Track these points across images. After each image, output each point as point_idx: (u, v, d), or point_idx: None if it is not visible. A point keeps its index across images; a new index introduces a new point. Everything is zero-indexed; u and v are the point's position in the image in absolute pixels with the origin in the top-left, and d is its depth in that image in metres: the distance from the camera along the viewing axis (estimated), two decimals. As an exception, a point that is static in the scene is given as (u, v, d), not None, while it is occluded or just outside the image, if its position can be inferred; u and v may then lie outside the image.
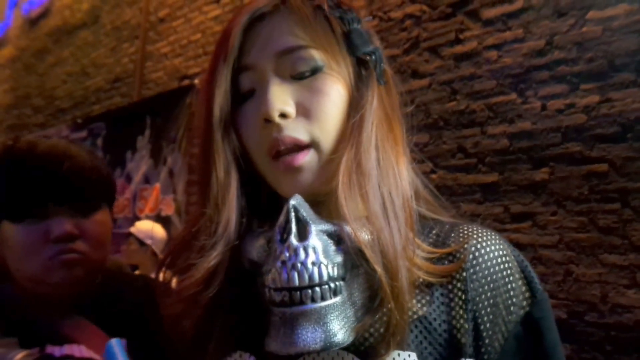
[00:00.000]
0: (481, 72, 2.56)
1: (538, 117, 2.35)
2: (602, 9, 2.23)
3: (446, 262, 0.56)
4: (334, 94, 0.57)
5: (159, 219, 3.96)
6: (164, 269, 0.63)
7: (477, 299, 0.55)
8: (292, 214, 0.53)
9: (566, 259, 2.23)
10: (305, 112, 0.56)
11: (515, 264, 0.57)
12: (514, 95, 2.44)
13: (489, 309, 0.55)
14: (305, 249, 0.51)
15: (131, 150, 4.53)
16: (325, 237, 0.53)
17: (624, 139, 2.13)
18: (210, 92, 0.59)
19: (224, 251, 0.56)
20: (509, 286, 0.56)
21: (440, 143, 2.67)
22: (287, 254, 0.51)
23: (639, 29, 2.13)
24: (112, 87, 5.39)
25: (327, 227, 0.53)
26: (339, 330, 0.50)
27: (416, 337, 0.54)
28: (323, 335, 0.50)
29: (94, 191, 0.83)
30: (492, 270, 0.56)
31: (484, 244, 0.57)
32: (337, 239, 0.53)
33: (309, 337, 0.50)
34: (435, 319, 0.55)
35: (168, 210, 4.00)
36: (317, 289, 0.50)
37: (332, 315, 0.51)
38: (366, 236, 0.52)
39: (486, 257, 0.56)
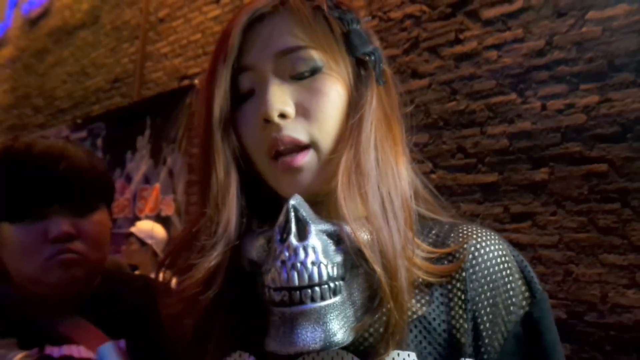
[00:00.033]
0: (481, 72, 2.56)
1: (538, 117, 2.35)
2: (601, 9, 2.23)
3: (445, 262, 0.57)
4: (333, 94, 0.57)
5: (159, 219, 3.96)
6: (163, 269, 0.63)
7: (477, 298, 0.55)
8: (292, 214, 0.53)
9: (566, 259, 2.23)
10: (304, 112, 0.56)
11: (515, 264, 0.58)
12: (513, 95, 2.44)
13: (488, 309, 0.55)
14: (305, 249, 0.51)
15: (131, 150, 4.53)
16: (325, 237, 0.53)
17: (624, 139, 2.13)
18: (209, 92, 0.59)
19: (224, 251, 0.56)
20: (509, 286, 0.56)
21: (440, 143, 2.67)
22: (287, 254, 0.51)
23: (638, 29, 2.13)
24: (112, 87, 5.39)
25: (326, 227, 0.53)
26: (339, 330, 0.51)
27: (415, 336, 0.54)
28: (323, 335, 0.50)
29: (91, 191, 0.83)
30: (491, 270, 0.56)
31: (484, 244, 0.57)
32: (337, 238, 0.53)
33: (309, 336, 0.50)
34: (434, 319, 0.55)
35: (168, 210, 4.00)
36: (317, 288, 0.50)
37: (332, 315, 0.51)
38: (365, 236, 0.52)
39: (486, 257, 0.56)
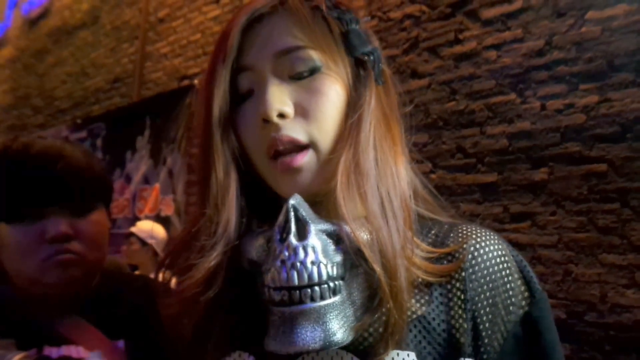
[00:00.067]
0: (480, 72, 2.56)
1: (537, 117, 2.35)
2: (601, 9, 2.23)
3: (445, 262, 0.57)
4: (332, 94, 0.57)
5: (159, 219, 3.96)
6: (163, 269, 0.63)
7: (476, 298, 0.55)
8: (292, 214, 0.53)
9: (565, 259, 2.23)
10: (303, 112, 0.56)
11: (514, 263, 0.58)
12: (513, 95, 2.44)
13: (488, 309, 0.55)
14: (305, 249, 0.51)
15: (131, 150, 4.53)
16: (325, 237, 0.53)
17: (623, 139, 2.13)
18: (209, 92, 0.59)
19: (224, 251, 0.56)
20: (508, 286, 0.56)
21: (439, 143, 2.67)
22: (287, 254, 0.51)
23: (638, 29, 2.13)
24: (112, 88, 5.39)
25: (326, 226, 0.53)
26: (338, 329, 0.51)
27: (415, 336, 0.54)
28: (322, 335, 0.50)
29: (89, 191, 0.83)
30: (491, 270, 0.56)
31: (483, 244, 0.57)
32: (337, 238, 0.53)
33: (308, 336, 0.50)
34: (434, 319, 0.55)
35: (168, 210, 4.00)
36: (317, 288, 0.50)
37: (332, 314, 0.51)
38: (365, 236, 0.52)
39: (485, 257, 0.56)
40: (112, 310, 0.86)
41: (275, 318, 0.52)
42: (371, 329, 0.54)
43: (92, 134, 5.11)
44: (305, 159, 0.56)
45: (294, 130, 0.56)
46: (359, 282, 0.54)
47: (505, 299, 0.55)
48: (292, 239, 0.52)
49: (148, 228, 3.17)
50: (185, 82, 4.33)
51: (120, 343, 0.83)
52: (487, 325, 0.54)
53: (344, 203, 0.53)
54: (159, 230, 3.28)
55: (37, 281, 0.78)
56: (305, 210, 0.53)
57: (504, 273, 0.56)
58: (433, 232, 0.61)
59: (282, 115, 0.55)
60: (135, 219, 4.11)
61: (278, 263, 0.51)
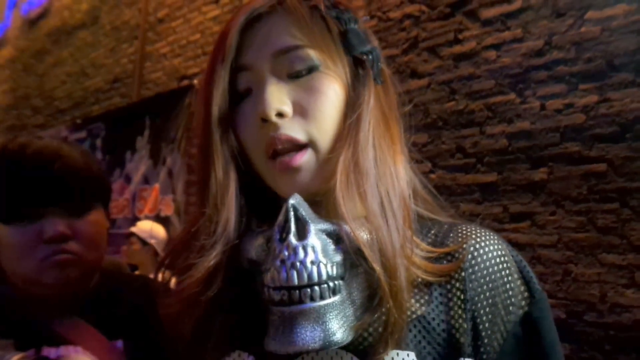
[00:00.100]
0: (480, 72, 2.57)
1: (537, 117, 2.35)
2: (600, 9, 2.23)
3: (445, 262, 0.57)
4: (331, 93, 0.57)
5: (158, 219, 3.96)
6: (163, 269, 0.63)
7: (476, 298, 0.55)
8: (291, 213, 0.53)
9: (565, 259, 2.23)
10: (302, 111, 0.56)
11: (514, 264, 0.58)
12: (512, 95, 2.44)
13: (487, 309, 0.55)
14: (305, 248, 0.51)
15: (130, 150, 4.52)
16: (324, 237, 0.53)
17: (623, 139, 2.13)
18: (208, 92, 0.59)
19: (224, 250, 0.56)
20: (508, 286, 0.56)
21: (439, 143, 2.67)
22: (286, 253, 0.51)
23: (637, 29, 2.13)
24: (112, 88, 5.39)
25: (326, 226, 0.53)
26: (338, 329, 0.51)
27: (415, 336, 0.54)
28: (322, 334, 0.50)
29: (87, 191, 0.83)
30: (490, 270, 0.56)
31: (483, 244, 0.57)
32: (336, 238, 0.53)
33: (308, 336, 0.50)
34: (434, 319, 0.55)
35: (167, 210, 4.00)
36: (316, 288, 0.50)
37: (331, 314, 0.51)
38: (365, 235, 0.52)
39: (485, 257, 0.56)
40: (111, 310, 0.86)
41: (275, 318, 0.52)
42: (371, 329, 0.54)
43: (91, 134, 5.11)
44: (304, 159, 0.56)
45: (293, 130, 0.56)
46: (358, 281, 0.54)
47: (505, 299, 0.55)
48: (292, 238, 0.51)
49: (148, 228, 3.17)
50: (185, 82, 4.33)
51: (119, 343, 0.83)
52: (486, 325, 0.54)
53: (343, 202, 0.53)
54: (159, 230, 3.28)
55: (35, 281, 0.78)
56: (305, 210, 0.53)
57: (503, 273, 0.56)
58: (433, 232, 0.61)
59: (280, 115, 0.55)
60: (135, 219, 4.11)
61: (278, 263, 0.51)
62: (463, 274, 0.55)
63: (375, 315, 0.53)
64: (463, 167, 2.58)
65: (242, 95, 0.59)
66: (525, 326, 0.55)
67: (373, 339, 0.53)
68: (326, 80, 0.57)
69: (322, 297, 0.50)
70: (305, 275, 0.50)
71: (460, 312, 0.54)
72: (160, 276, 0.63)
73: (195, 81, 4.13)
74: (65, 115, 6.06)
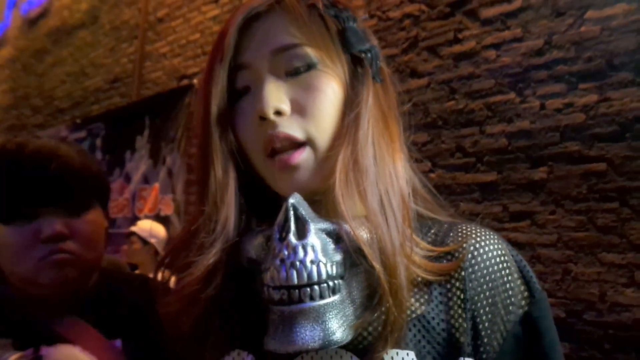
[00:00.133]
0: (480, 71, 2.57)
1: (537, 116, 2.35)
2: (600, 8, 2.23)
3: (444, 261, 0.57)
4: (329, 91, 0.57)
5: (158, 218, 3.96)
6: (163, 268, 0.63)
7: (476, 298, 0.55)
8: (291, 213, 0.53)
9: (565, 258, 2.23)
10: (300, 109, 0.57)
11: (514, 263, 0.58)
12: (512, 95, 2.44)
13: (487, 309, 0.55)
14: (304, 248, 0.51)
15: (130, 150, 4.52)
16: (324, 236, 0.53)
17: (623, 138, 2.13)
18: (207, 91, 0.59)
19: (223, 249, 0.57)
20: (508, 286, 0.56)
21: (439, 142, 2.67)
22: (286, 252, 0.51)
23: (637, 28, 2.13)
24: (111, 87, 5.39)
25: (325, 225, 0.53)
26: (338, 328, 0.51)
27: (414, 335, 0.54)
28: (321, 334, 0.50)
29: (84, 190, 0.83)
30: (490, 269, 0.56)
31: (483, 243, 0.57)
32: (336, 237, 0.53)
33: (308, 335, 0.50)
34: (433, 318, 0.55)
35: (167, 210, 4.00)
36: (316, 287, 0.50)
37: (331, 313, 0.51)
38: (365, 234, 0.52)
39: (485, 256, 0.56)
40: (111, 309, 0.86)
41: (275, 317, 0.52)
42: (370, 328, 0.54)
43: (91, 134, 5.11)
44: (302, 157, 0.56)
45: (291, 128, 0.56)
46: (358, 281, 0.54)
47: (504, 298, 0.55)
48: (292, 238, 0.51)
49: (148, 227, 3.17)
50: (185, 82, 4.32)
51: (118, 342, 0.83)
52: (486, 324, 0.54)
53: (342, 201, 0.53)
54: (159, 229, 3.28)
55: (33, 281, 0.78)
56: (305, 209, 0.53)
57: (503, 273, 0.56)
58: (433, 231, 0.61)
59: (278, 113, 0.56)
60: (134, 219, 4.11)
61: (277, 262, 0.51)
62: (463, 273, 0.55)
63: (375, 315, 0.53)
64: (463, 167, 2.58)
65: (241, 94, 0.59)
66: (525, 326, 0.55)
67: (372, 338, 0.53)
68: (324, 78, 0.57)
69: (321, 297, 0.50)
70: (305, 275, 0.50)
71: (460, 311, 0.54)
72: (159, 275, 0.63)
73: (195, 81, 4.13)
74: (65, 115, 6.06)
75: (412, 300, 0.55)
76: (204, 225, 0.58)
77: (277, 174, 0.58)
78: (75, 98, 5.95)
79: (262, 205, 0.62)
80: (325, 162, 0.57)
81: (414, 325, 0.54)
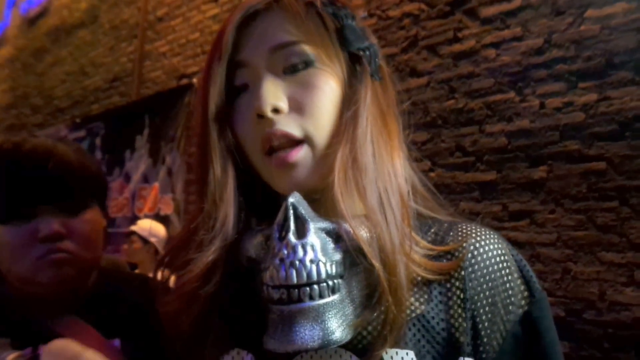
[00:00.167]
0: (479, 70, 2.56)
1: (536, 115, 2.35)
2: (600, 7, 2.23)
3: (444, 260, 0.57)
4: (327, 89, 0.57)
5: (158, 218, 3.96)
6: (162, 267, 0.63)
7: (476, 297, 0.55)
8: (291, 212, 0.53)
9: (564, 257, 2.23)
10: (297, 107, 0.56)
11: (514, 263, 0.58)
12: (512, 94, 2.44)
13: (487, 308, 0.55)
14: (304, 247, 0.51)
15: (130, 149, 4.52)
16: (324, 235, 0.53)
17: (622, 137, 2.13)
18: (205, 89, 0.59)
19: (222, 246, 0.57)
20: (508, 285, 0.56)
21: (438, 141, 2.67)
22: (286, 252, 0.51)
23: (637, 27, 2.13)
24: (111, 87, 5.39)
25: (325, 225, 0.53)
26: (337, 328, 0.50)
27: (414, 335, 0.54)
28: (321, 333, 0.50)
29: (82, 189, 0.82)
30: (490, 269, 0.56)
31: (483, 243, 0.57)
32: (336, 236, 0.53)
33: (307, 334, 0.50)
34: (433, 318, 0.55)
35: (167, 209, 4.00)
36: (315, 286, 0.50)
37: (330, 313, 0.51)
38: (365, 234, 0.52)
39: (485, 256, 0.56)
40: (110, 309, 0.85)
41: (274, 316, 0.52)
42: (370, 327, 0.54)
43: (91, 133, 5.11)
44: (300, 154, 0.56)
45: (288, 125, 0.56)
46: (358, 280, 0.54)
47: (504, 298, 0.55)
48: (291, 237, 0.51)
49: (148, 226, 3.17)
50: (184, 81, 4.32)
51: (116, 342, 0.83)
52: (486, 324, 0.54)
53: (342, 199, 0.53)
54: (158, 228, 3.28)
55: (30, 280, 0.78)
56: (305, 209, 0.53)
57: (503, 272, 0.56)
58: (433, 230, 0.61)
59: (276, 110, 0.56)
60: (134, 218, 4.11)
61: (277, 261, 0.51)
62: (463, 272, 0.55)
63: (375, 314, 0.53)
64: (462, 166, 2.58)
65: (240, 92, 0.59)
66: (525, 326, 0.55)
67: (372, 337, 0.53)
68: (322, 76, 0.57)
69: (321, 296, 0.50)
70: (305, 274, 0.50)
71: (459, 311, 0.54)
72: (159, 274, 0.63)
73: (195, 80, 4.12)
74: (65, 114, 6.05)
75: (412, 299, 0.55)
76: (203, 223, 0.58)
77: (275, 172, 0.58)
78: (74, 97, 5.95)
79: (262, 205, 0.62)
80: (324, 159, 0.57)
81: (414, 325, 0.54)
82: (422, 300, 0.55)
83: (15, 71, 7.39)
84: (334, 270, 0.52)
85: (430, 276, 0.55)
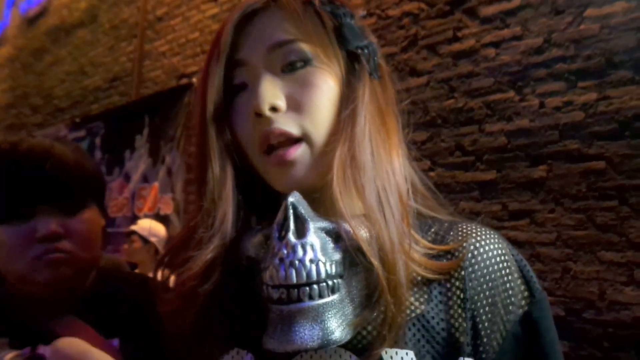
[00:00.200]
0: (479, 69, 2.56)
1: (536, 114, 2.35)
2: (599, 6, 2.23)
3: (444, 260, 0.57)
4: (325, 87, 0.57)
5: (158, 217, 3.96)
6: (162, 267, 0.63)
7: (476, 297, 0.55)
8: (291, 211, 0.53)
9: (564, 257, 2.23)
10: (295, 105, 0.57)
11: (514, 263, 0.57)
12: (511, 93, 2.44)
13: (487, 308, 0.55)
14: (304, 247, 0.51)
15: (130, 149, 4.52)
16: (324, 235, 0.53)
17: (622, 137, 2.13)
18: (203, 89, 0.60)
19: (221, 244, 0.57)
20: (508, 285, 0.56)
21: (438, 141, 2.67)
22: (285, 251, 0.51)
23: (636, 26, 2.13)
24: (111, 86, 5.38)
25: (325, 224, 0.53)
26: (337, 327, 0.50)
27: (414, 335, 0.54)
28: (320, 333, 0.50)
29: (80, 189, 0.82)
30: (490, 269, 0.56)
31: (483, 242, 0.57)
32: (335, 236, 0.53)
33: (307, 334, 0.49)
34: (433, 317, 0.55)
35: (167, 209, 4.00)
36: (315, 286, 0.50)
37: (330, 313, 0.51)
38: (364, 233, 0.52)
39: (485, 256, 0.56)
40: (110, 309, 0.85)
41: (274, 316, 0.52)
42: (369, 327, 0.54)
43: (90, 133, 5.11)
44: (298, 152, 0.56)
45: (286, 124, 0.56)
46: (357, 280, 0.54)
47: (504, 298, 0.55)
48: (291, 236, 0.51)
49: (148, 226, 3.18)
50: (184, 81, 4.32)
51: (115, 342, 0.83)
52: (486, 324, 0.54)
53: (340, 197, 0.53)
54: (158, 228, 3.28)
55: (28, 280, 0.78)
56: (304, 208, 0.53)
57: (503, 272, 0.56)
58: (433, 229, 0.61)
59: (274, 109, 0.56)
60: (134, 218, 4.12)
61: (276, 261, 0.51)
62: (463, 272, 0.55)
63: (374, 314, 0.53)
64: (462, 165, 2.58)
65: (238, 91, 0.60)
66: (525, 326, 0.55)
67: (371, 336, 0.53)
68: (320, 74, 0.57)
69: (320, 296, 0.50)
70: (304, 274, 0.50)
71: (459, 311, 0.54)
72: (159, 274, 0.63)
73: (194, 79, 4.12)
74: (65, 114, 6.05)
75: (412, 299, 0.55)
76: (202, 221, 0.58)
77: (273, 170, 0.58)
78: (74, 97, 5.95)
79: (262, 204, 0.62)
80: (322, 158, 0.57)
81: (414, 325, 0.54)
82: (422, 300, 0.55)
83: (14, 71, 7.39)
84: (333, 270, 0.51)
85: (430, 275, 0.55)
